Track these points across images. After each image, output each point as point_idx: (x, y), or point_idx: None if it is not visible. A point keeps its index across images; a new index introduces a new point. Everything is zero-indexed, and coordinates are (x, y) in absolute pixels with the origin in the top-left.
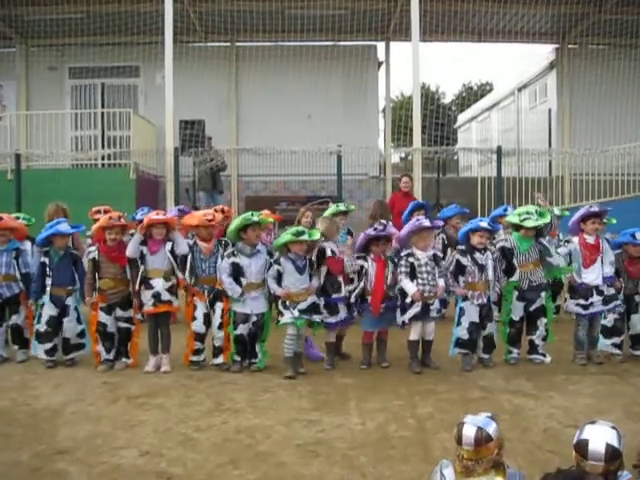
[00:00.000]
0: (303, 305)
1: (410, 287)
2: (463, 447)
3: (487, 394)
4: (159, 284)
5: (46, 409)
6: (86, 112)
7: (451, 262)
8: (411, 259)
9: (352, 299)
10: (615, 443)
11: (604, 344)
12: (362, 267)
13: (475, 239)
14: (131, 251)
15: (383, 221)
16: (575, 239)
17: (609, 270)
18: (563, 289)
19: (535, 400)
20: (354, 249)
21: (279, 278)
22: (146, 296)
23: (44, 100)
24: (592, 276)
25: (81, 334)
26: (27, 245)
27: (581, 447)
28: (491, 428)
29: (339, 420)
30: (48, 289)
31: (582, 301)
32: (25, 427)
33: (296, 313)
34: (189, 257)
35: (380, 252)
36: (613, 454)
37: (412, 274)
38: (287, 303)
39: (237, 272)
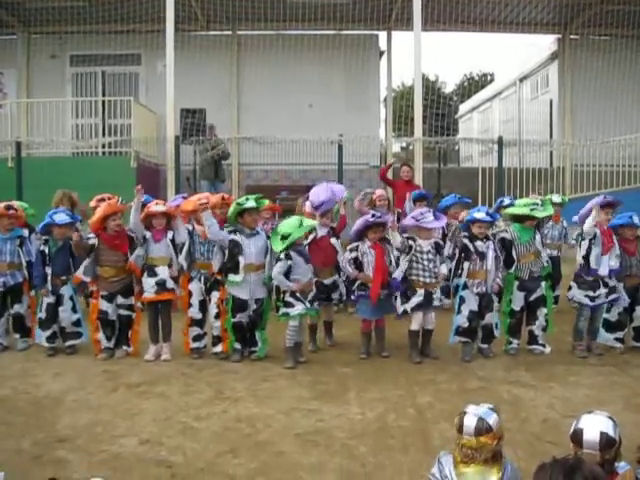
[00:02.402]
0: (311, 295)
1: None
2: (463, 436)
3: (486, 384)
4: (164, 272)
5: (47, 397)
6: (87, 100)
7: (456, 244)
8: (411, 242)
9: (354, 290)
10: (610, 432)
11: (607, 338)
12: (356, 258)
13: (475, 229)
14: (132, 221)
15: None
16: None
17: (615, 263)
18: (562, 279)
19: (535, 391)
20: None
21: (287, 273)
22: (149, 283)
23: (45, 88)
24: (603, 265)
25: (77, 323)
26: (25, 233)
27: (576, 436)
28: (492, 419)
29: (339, 410)
30: (49, 278)
31: (591, 292)
32: (26, 415)
33: (308, 304)
34: (187, 242)
35: (376, 239)
36: (608, 442)
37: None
38: (298, 294)
39: (236, 250)
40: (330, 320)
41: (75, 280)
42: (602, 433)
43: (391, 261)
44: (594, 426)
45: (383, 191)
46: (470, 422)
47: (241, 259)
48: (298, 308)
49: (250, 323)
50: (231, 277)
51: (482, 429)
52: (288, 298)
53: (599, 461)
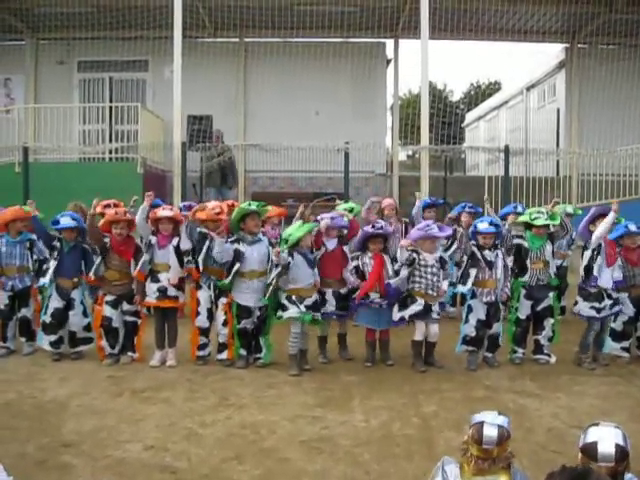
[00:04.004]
0: (309, 301)
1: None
2: (484, 446)
3: (492, 393)
4: (166, 278)
5: (52, 402)
6: (94, 106)
7: (465, 251)
8: (414, 255)
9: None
10: (622, 443)
11: (613, 347)
12: (358, 267)
13: (480, 240)
14: (138, 222)
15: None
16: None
17: (618, 274)
18: (568, 289)
19: (540, 400)
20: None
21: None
22: (152, 288)
23: (52, 94)
24: (606, 277)
25: (87, 327)
26: (34, 237)
27: (589, 450)
28: (507, 424)
29: (343, 417)
30: (54, 284)
31: (596, 304)
32: (31, 420)
33: (303, 308)
34: (206, 244)
35: (377, 249)
36: (622, 454)
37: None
38: (293, 298)
39: (237, 258)
40: (344, 332)
41: (88, 281)
42: (617, 445)
43: (389, 272)
44: (608, 439)
45: (391, 200)
46: (491, 432)
47: (236, 265)
48: (292, 311)
49: (255, 329)
50: (221, 281)
51: (504, 436)
52: (284, 301)
53: (611, 473)
